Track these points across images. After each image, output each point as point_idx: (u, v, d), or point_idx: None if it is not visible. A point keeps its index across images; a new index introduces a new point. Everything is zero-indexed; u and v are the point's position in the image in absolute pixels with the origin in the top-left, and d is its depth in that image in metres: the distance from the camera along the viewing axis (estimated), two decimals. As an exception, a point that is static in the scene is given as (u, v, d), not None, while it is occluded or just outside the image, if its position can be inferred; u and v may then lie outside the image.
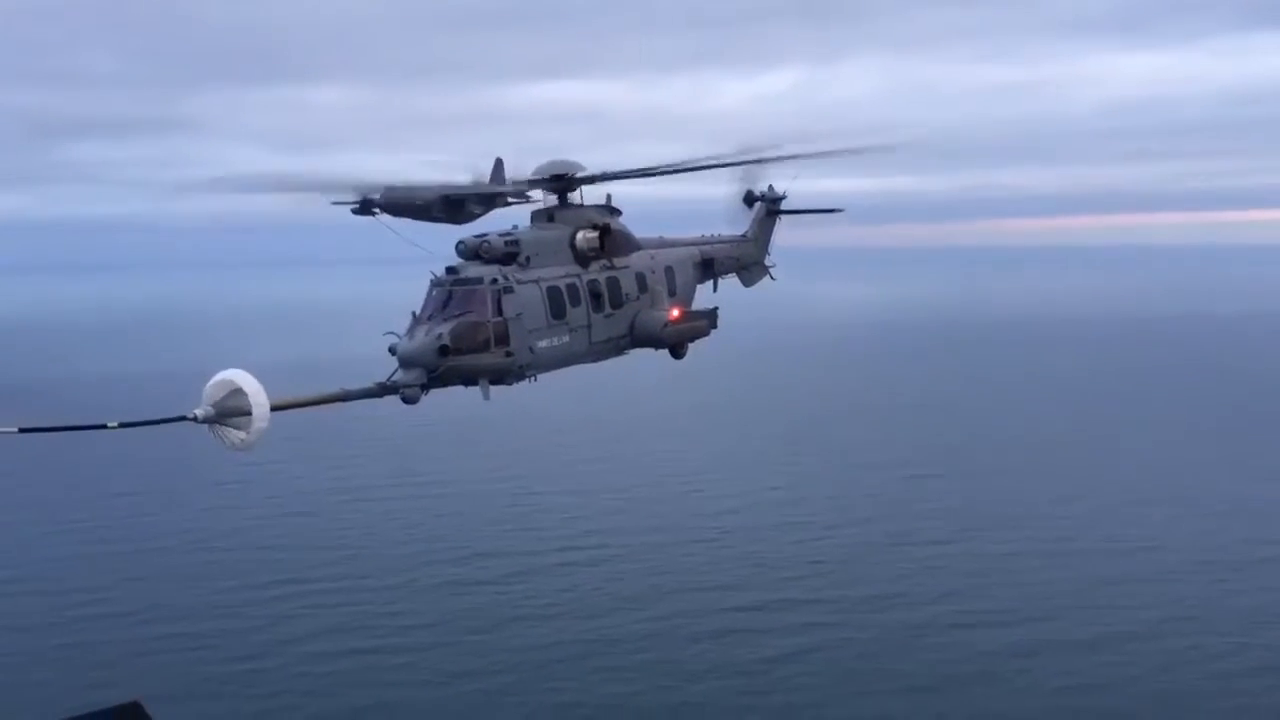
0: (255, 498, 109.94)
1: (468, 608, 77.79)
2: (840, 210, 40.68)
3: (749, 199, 37.72)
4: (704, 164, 28.54)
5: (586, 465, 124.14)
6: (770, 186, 37.99)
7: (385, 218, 27.20)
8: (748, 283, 37.96)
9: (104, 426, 20.51)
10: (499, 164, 28.75)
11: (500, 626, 74.07)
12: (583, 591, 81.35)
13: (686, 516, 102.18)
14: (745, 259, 37.49)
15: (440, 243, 28.03)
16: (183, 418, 21.02)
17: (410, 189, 26.99)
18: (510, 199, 30.42)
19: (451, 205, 27.33)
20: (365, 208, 27.07)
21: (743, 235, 37.59)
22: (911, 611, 75.48)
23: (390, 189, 26.94)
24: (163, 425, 20.74)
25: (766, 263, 38.62)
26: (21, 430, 19.54)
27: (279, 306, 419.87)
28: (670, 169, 28.61)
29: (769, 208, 38.12)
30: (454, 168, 28.22)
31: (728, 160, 29.31)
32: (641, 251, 30.91)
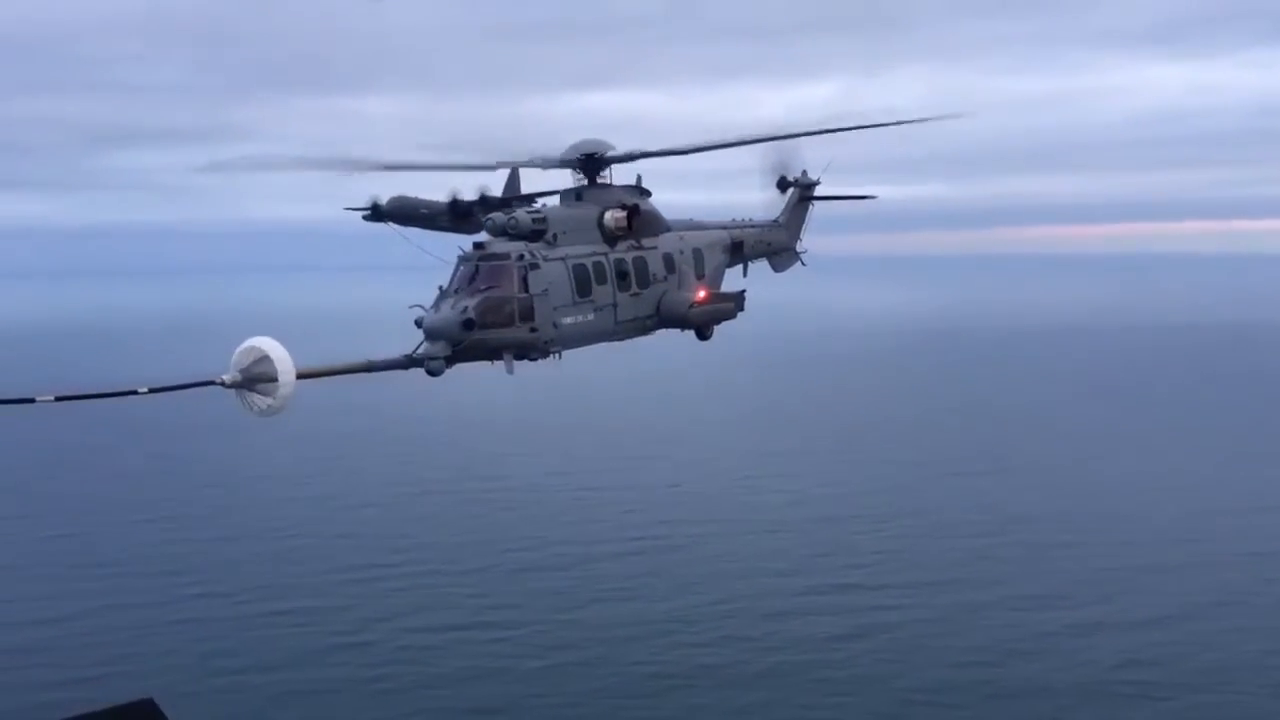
0: (328, 490, 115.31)
1: (548, 590, 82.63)
2: (874, 197, 40.10)
3: (782, 184, 37.24)
4: (734, 142, 28.46)
5: (639, 463, 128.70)
6: (804, 172, 37.37)
7: (393, 225, 28.17)
8: (778, 268, 37.43)
9: (135, 393, 20.76)
10: (514, 173, 29.30)
11: (582, 607, 78.90)
12: (654, 576, 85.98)
13: (742, 510, 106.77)
14: (776, 244, 36.94)
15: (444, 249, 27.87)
16: (211, 382, 21.38)
17: (417, 199, 28.07)
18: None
19: (458, 214, 28.17)
20: (376, 215, 28.28)
21: (774, 220, 37.11)
22: (971, 594, 79.91)
23: (397, 198, 28.12)
24: (192, 389, 21.19)
25: (798, 248, 38.08)
26: (58, 398, 20.03)
27: (316, 310, 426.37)
28: (701, 147, 28.40)
29: (802, 193, 37.59)
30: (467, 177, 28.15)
31: (758, 138, 29.21)
32: (670, 233, 30.73)
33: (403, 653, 70.33)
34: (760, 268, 36.96)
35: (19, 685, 66.05)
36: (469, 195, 28.31)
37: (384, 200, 28.15)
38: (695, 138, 29.35)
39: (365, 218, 28.51)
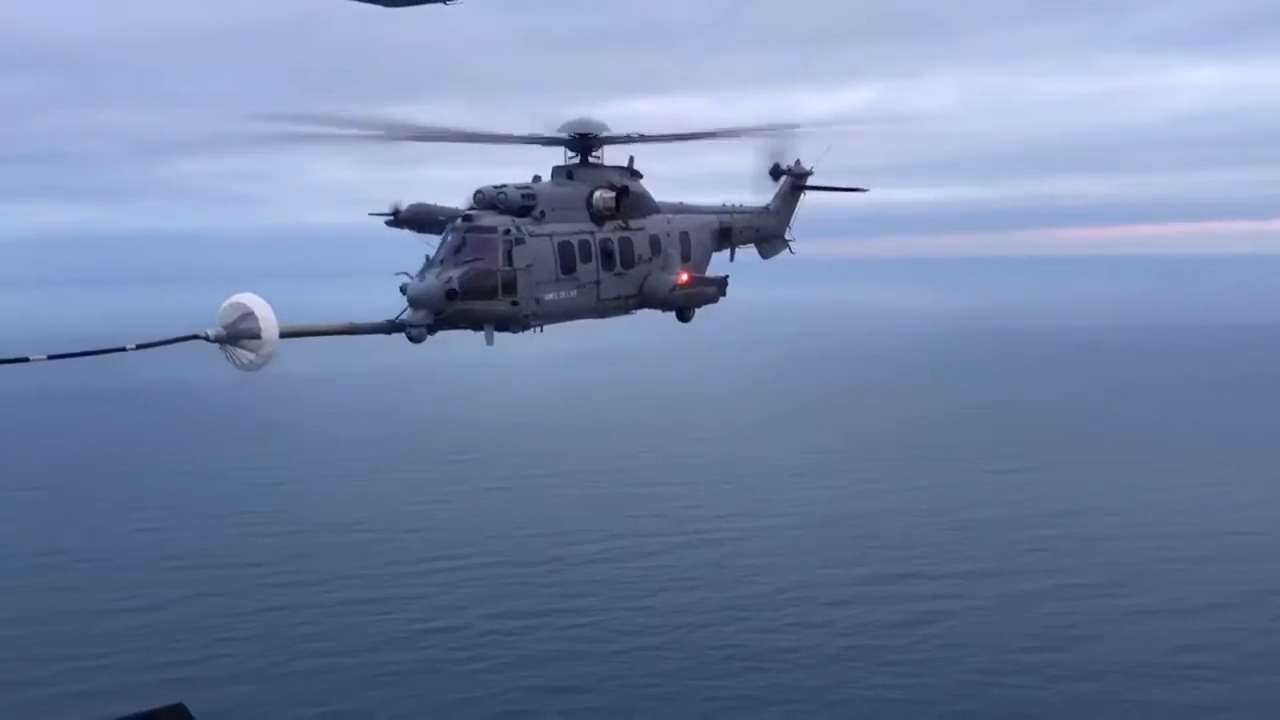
0: (388, 488, 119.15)
1: (615, 580, 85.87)
2: (865, 190, 40.04)
3: (775, 172, 37.41)
4: (729, 132, 29.24)
5: (686, 461, 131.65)
6: (797, 161, 37.49)
7: (411, 231, 28.57)
8: (766, 254, 37.51)
9: (122, 349, 21.25)
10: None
11: (651, 595, 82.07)
12: (716, 567, 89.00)
13: (793, 505, 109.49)
14: (765, 230, 36.93)
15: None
16: (195, 336, 21.78)
17: (436, 206, 28.59)
18: None
19: None
20: (397, 221, 28.94)
21: (765, 207, 37.13)
22: (1025, 583, 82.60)
23: (416, 205, 28.75)
24: (178, 344, 21.68)
25: (787, 236, 38.03)
26: (50, 357, 20.52)
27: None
28: (696, 135, 29.05)
29: (794, 182, 37.61)
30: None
31: (752, 129, 29.86)
32: (659, 215, 30.92)
33: (486, 637, 73.72)
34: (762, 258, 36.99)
35: (126, 666, 69.98)
36: None
37: (404, 207, 29.09)
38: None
39: (387, 223, 29.46)
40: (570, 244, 27.88)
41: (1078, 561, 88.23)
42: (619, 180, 29.17)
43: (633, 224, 29.61)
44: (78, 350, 21.12)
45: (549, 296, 27.22)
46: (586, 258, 28.25)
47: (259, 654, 70.91)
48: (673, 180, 32.71)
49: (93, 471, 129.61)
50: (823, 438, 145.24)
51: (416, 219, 28.84)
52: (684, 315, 31.19)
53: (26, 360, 20.19)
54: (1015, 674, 65.62)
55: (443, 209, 28.32)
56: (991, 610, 77.27)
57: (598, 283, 28.60)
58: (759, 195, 37.09)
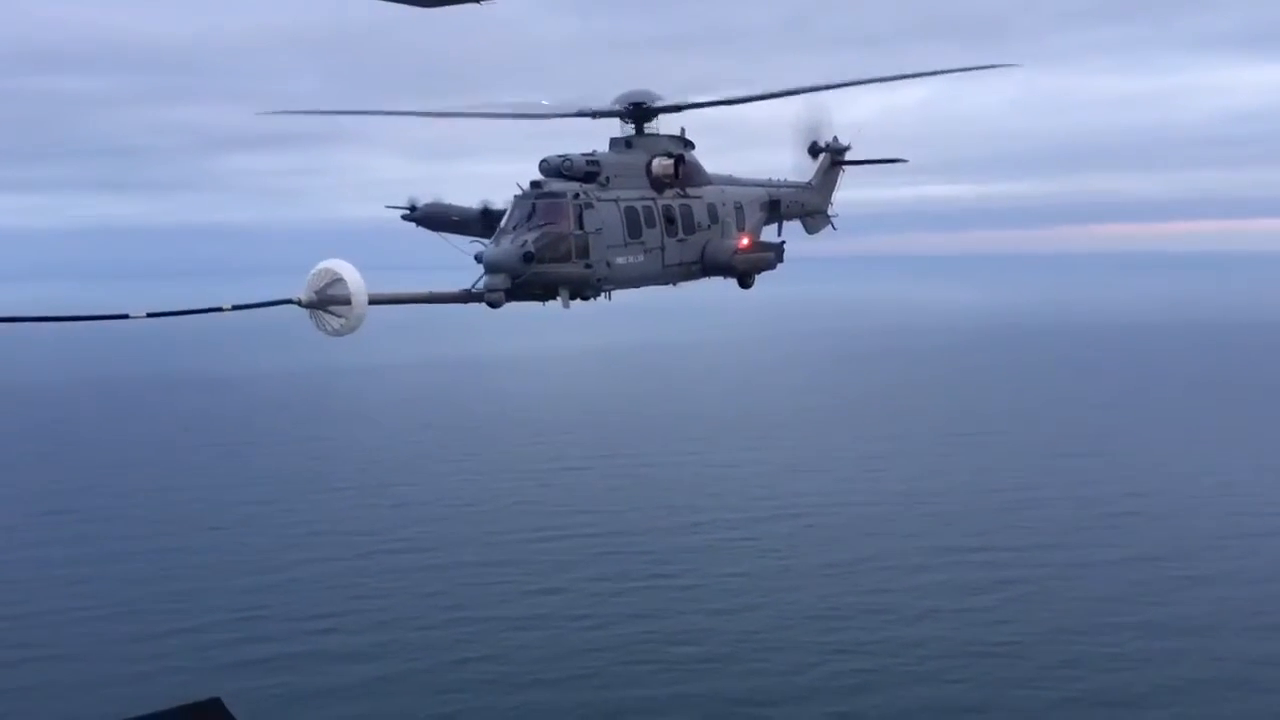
0: (483, 467, 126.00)
1: (709, 549, 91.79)
2: (904, 160, 40.77)
3: (814, 150, 38.32)
4: (776, 93, 29.80)
5: (757, 448, 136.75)
6: (835, 138, 38.55)
7: (424, 229, 29.59)
8: (811, 230, 38.52)
9: (219, 309, 21.89)
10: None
11: (741, 563, 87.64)
12: (799, 540, 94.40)
13: (866, 485, 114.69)
14: (810, 206, 38.07)
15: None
16: (287, 300, 22.60)
17: (450, 205, 29.64)
18: None
19: (489, 223, 29.00)
20: (412, 216, 29.95)
21: (808, 183, 38.26)
22: (1097, 554, 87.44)
23: (432, 204, 29.73)
24: (271, 307, 22.78)
25: (829, 212, 39.16)
26: (149, 315, 21.35)
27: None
28: (745, 99, 29.68)
29: (833, 158, 38.68)
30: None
31: (797, 89, 30.63)
32: (713, 185, 31.74)
33: (595, 598, 79.62)
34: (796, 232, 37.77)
35: (274, 617, 76.79)
36: (500, 205, 28.80)
37: (420, 204, 29.98)
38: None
39: (402, 218, 30.15)
40: (635, 209, 28.52)
41: (1146, 536, 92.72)
42: (675, 149, 30.14)
43: (690, 192, 30.41)
44: (175, 309, 22.32)
45: (619, 260, 27.79)
46: (651, 223, 28.89)
47: (387, 609, 77.48)
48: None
49: (198, 452, 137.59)
50: (883, 427, 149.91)
51: (430, 217, 30.34)
52: (745, 282, 31.85)
53: (126, 317, 21.34)
54: (1103, 632, 70.20)
55: (457, 208, 29.66)
56: (1066, 580, 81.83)
57: (662, 248, 29.24)
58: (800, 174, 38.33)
